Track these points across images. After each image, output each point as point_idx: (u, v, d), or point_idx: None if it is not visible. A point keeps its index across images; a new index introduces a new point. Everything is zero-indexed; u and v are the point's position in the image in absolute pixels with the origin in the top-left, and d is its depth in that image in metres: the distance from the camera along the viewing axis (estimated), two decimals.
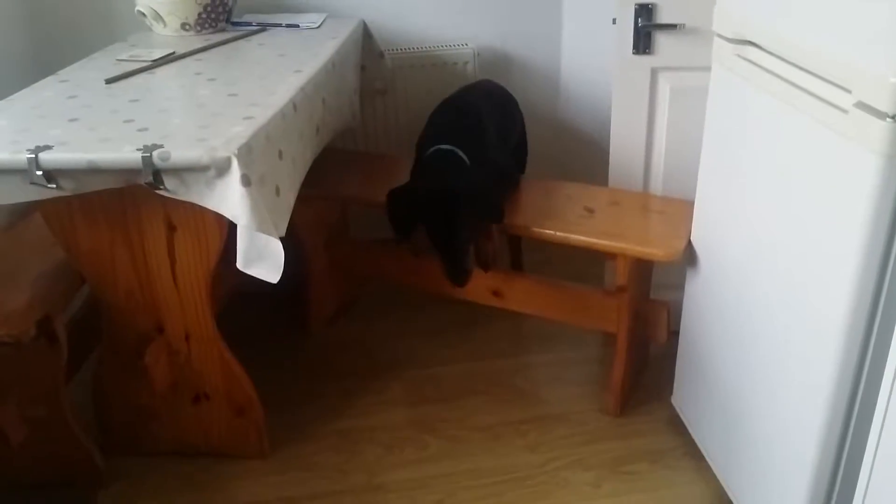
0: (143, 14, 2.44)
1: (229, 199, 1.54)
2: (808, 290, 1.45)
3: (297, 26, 2.54)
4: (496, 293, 2.34)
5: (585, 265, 2.47)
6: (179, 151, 1.54)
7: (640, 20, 2.14)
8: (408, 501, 1.93)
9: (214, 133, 1.61)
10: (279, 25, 2.55)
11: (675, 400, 2.15)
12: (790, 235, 1.49)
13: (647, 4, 2.12)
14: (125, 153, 1.54)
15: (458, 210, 1.96)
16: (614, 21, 2.18)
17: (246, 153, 1.55)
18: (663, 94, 2.24)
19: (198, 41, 2.35)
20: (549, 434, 2.14)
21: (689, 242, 1.96)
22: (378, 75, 2.73)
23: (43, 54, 2.48)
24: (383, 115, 2.91)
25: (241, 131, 1.61)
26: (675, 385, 2.14)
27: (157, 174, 1.55)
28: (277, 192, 1.68)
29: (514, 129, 2.45)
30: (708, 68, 1.81)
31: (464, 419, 2.21)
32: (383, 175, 2.45)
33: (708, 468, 1.94)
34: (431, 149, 2.10)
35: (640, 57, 2.19)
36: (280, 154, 1.72)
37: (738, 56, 1.63)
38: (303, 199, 2.34)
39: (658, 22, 2.14)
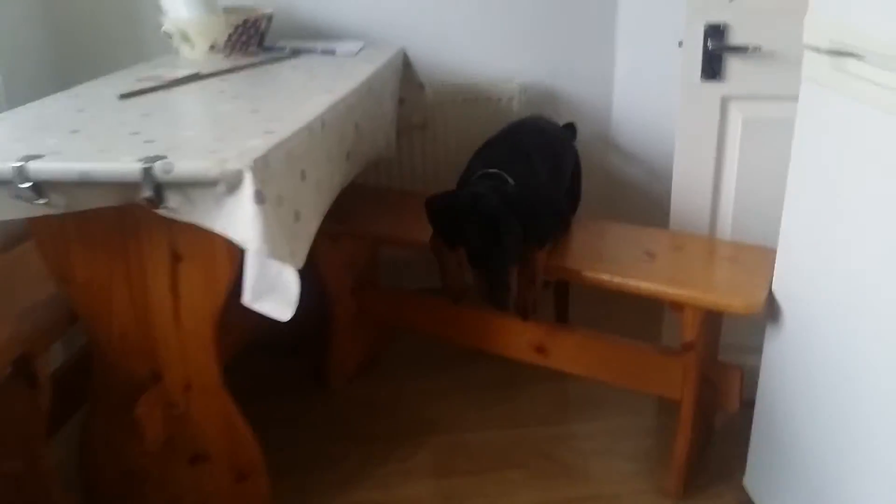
0: (170, 35, 2.27)
1: (240, 219, 1.30)
2: None
3: (333, 52, 2.35)
4: (539, 349, 2.07)
5: (639, 324, 2.18)
6: (185, 163, 1.31)
7: (710, 42, 1.92)
8: None
9: (228, 146, 1.39)
10: (314, 51, 2.37)
11: (749, 481, 1.83)
12: None
13: (719, 24, 1.90)
14: (122, 164, 1.32)
15: (500, 216, 1.72)
16: (680, 44, 1.96)
17: (262, 168, 1.32)
18: (735, 125, 1.99)
19: (226, 64, 2.16)
20: None
21: (771, 292, 1.68)
22: (417, 108, 2.52)
23: (65, 74, 2.32)
24: (421, 150, 2.70)
25: (259, 144, 1.39)
26: (749, 464, 1.84)
27: (159, 189, 1.33)
28: (297, 217, 1.44)
29: (567, 170, 2.21)
30: (788, 98, 1.58)
31: (500, 497, 1.91)
32: (418, 214, 2.22)
33: None
34: (476, 174, 1.87)
35: (709, 84, 1.96)
36: (303, 175, 1.49)
37: (838, 70, 1.39)
38: (330, 236, 2.15)
39: (731, 44, 1.90)
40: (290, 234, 1.39)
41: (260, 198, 1.28)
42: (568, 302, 2.48)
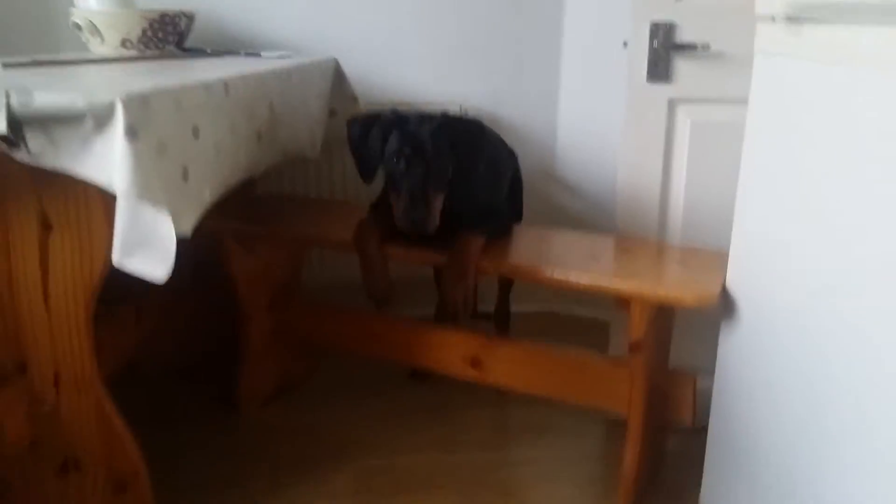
0: (79, 26, 2.11)
1: (109, 160, 1.12)
2: None
3: (258, 55, 2.20)
4: (474, 363, 1.87)
5: (584, 337, 2.00)
6: (47, 94, 1.13)
7: (655, 41, 1.81)
8: None
9: (104, 89, 1.21)
10: (237, 53, 2.23)
11: (705, 497, 1.63)
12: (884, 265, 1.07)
13: (665, 23, 1.81)
14: None
15: (426, 133, 1.63)
16: (625, 44, 1.86)
17: (138, 105, 1.15)
18: (683, 129, 1.87)
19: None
20: None
21: (725, 288, 1.53)
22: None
23: None
24: (353, 167, 2.54)
25: (141, 86, 1.21)
26: (705, 481, 1.64)
27: (16, 125, 1.13)
28: (185, 175, 1.26)
29: (505, 172, 2.06)
30: (737, 101, 1.47)
31: None
32: (344, 218, 2.05)
33: None
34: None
35: (655, 86, 1.85)
36: (196, 132, 1.32)
37: (793, 35, 1.27)
38: (244, 242, 1.96)
39: (678, 41, 1.80)
40: (174, 189, 1.22)
41: (132, 133, 1.11)
42: (509, 313, 2.29)
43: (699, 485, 1.64)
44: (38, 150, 1.15)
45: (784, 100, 1.32)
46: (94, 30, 2.08)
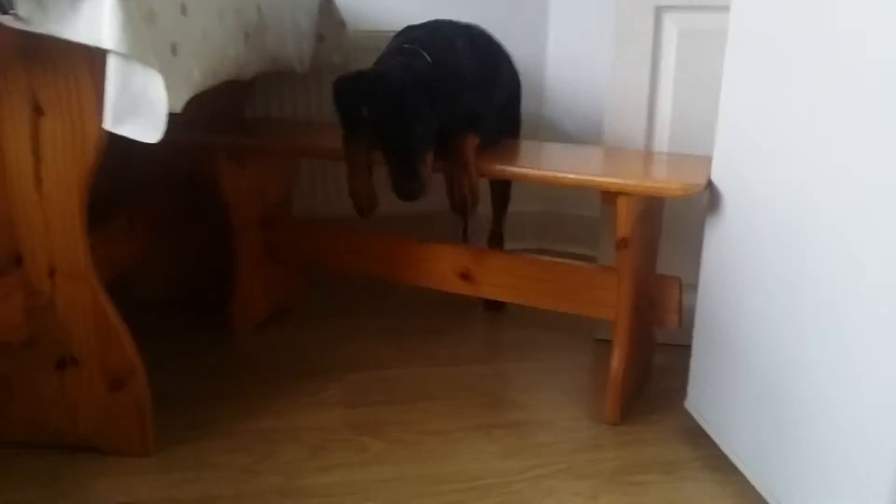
0: None
1: (97, 20, 1.12)
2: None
3: None
4: (464, 275, 1.89)
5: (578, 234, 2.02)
6: None
7: None
8: None
9: None
10: None
11: (691, 403, 1.67)
12: (869, 148, 1.09)
13: None
14: None
15: (406, 94, 1.58)
16: None
17: None
18: (669, 38, 1.89)
19: None
20: (529, 440, 1.64)
21: (710, 181, 1.55)
22: (338, 48, 2.37)
23: None
24: None
25: None
26: (691, 385, 1.67)
27: None
28: (174, 50, 1.26)
29: (501, 81, 2.05)
30: (724, 8, 1.48)
31: (415, 423, 1.70)
32: (333, 135, 2.06)
33: (736, 481, 1.46)
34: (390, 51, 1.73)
35: None
36: (183, 9, 1.32)
37: None
38: (236, 157, 1.96)
39: None
40: (163, 61, 1.21)
41: None
42: (503, 227, 2.29)
43: (686, 394, 1.67)
44: (27, 14, 1.14)
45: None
46: None
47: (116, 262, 1.78)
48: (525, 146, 1.97)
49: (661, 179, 1.56)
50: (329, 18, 2.31)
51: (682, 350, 1.71)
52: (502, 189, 2.21)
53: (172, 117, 1.24)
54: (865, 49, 1.10)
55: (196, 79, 1.34)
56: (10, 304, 1.42)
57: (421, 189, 1.60)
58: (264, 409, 1.74)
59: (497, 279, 1.87)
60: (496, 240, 2.28)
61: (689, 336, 1.65)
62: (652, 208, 1.69)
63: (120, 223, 1.82)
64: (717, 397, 1.55)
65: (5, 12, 1.14)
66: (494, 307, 2.25)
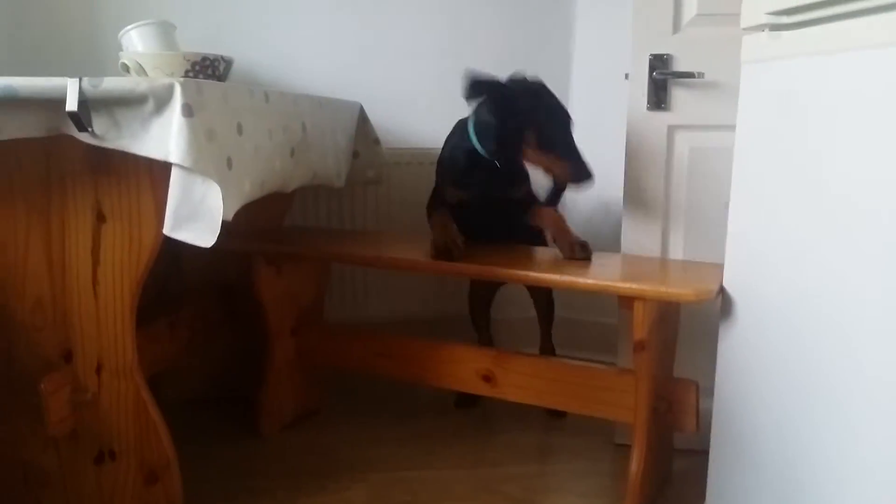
0: (127, 68, 2.30)
1: (166, 137, 1.26)
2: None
3: None
4: (487, 377, 1.96)
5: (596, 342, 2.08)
6: (113, 79, 1.29)
7: (654, 72, 1.98)
8: None
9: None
10: None
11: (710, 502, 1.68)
12: (864, 253, 1.18)
13: (663, 55, 1.97)
14: (49, 79, 1.29)
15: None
16: (626, 76, 2.02)
17: (193, 89, 1.30)
18: (681, 154, 2.01)
19: None
20: None
21: (722, 288, 1.63)
22: (372, 163, 2.54)
23: None
24: (374, 207, 2.70)
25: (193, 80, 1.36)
26: (709, 490, 1.68)
27: (85, 107, 1.28)
28: (229, 164, 1.40)
29: None
30: (732, 127, 1.59)
31: None
32: (368, 242, 2.18)
33: None
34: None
35: (655, 113, 2.00)
36: (240, 129, 1.47)
37: (775, 39, 1.43)
38: (274, 262, 2.08)
39: (675, 70, 1.97)
40: (219, 173, 1.34)
41: (188, 111, 1.25)
42: (551, 331, 2.37)
43: (704, 500, 1.69)
44: (103, 132, 1.29)
45: (768, 102, 1.46)
46: (141, 70, 2.27)
47: (158, 361, 1.87)
48: (547, 253, 2.07)
49: (676, 285, 1.64)
50: (364, 136, 2.48)
51: (700, 456, 1.74)
52: (546, 300, 2.33)
53: (220, 226, 1.36)
54: (859, 170, 1.20)
55: (247, 190, 1.47)
56: (59, 398, 1.50)
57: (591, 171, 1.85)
58: None
59: (518, 381, 1.93)
60: (548, 351, 2.36)
61: (707, 441, 1.68)
62: (668, 313, 1.77)
63: (162, 325, 1.93)
64: (737, 501, 1.57)
65: (84, 130, 1.29)
66: (466, 403, 2.32)
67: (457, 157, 2.01)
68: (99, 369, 1.53)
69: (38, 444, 1.54)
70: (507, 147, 1.89)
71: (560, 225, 1.96)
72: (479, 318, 2.42)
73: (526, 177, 2.06)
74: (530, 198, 2.09)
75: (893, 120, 1.12)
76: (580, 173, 1.83)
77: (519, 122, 1.86)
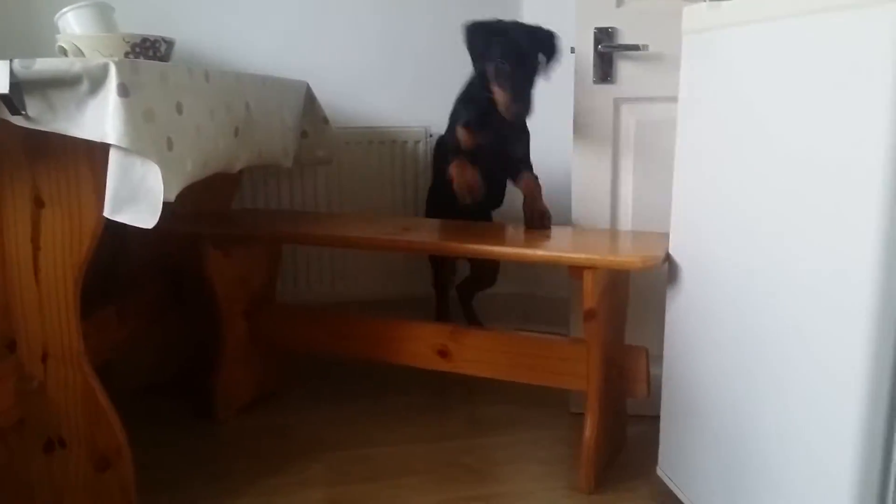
0: (65, 50, 2.24)
1: (102, 117, 1.23)
2: (828, 287, 1.16)
3: None
4: (442, 352, 1.97)
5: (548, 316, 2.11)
6: (46, 60, 1.25)
7: (599, 45, 1.99)
8: None
9: None
10: None
11: (663, 469, 1.73)
12: (802, 217, 1.22)
13: (608, 28, 1.99)
14: None
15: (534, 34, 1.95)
16: (572, 50, 2.03)
17: (129, 69, 1.27)
18: (628, 127, 2.03)
19: None
20: None
21: (668, 254, 1.66)
22: (322, 143, 2.51)
23: None
24: (325, 187, 2.68)
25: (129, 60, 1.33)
26: (661, 451, 1.73)
27: (17, 90, 1.25)
28: (170, 145, 1.38)
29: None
30: (675, 99, 1.62)
31: (398, 498, 1.75)
32: (320, 222, 2.17)
33: None
34: None
35: (601, 87, 2.02)
36: (179, 108, 1.44)
37: (714, 9, 1.45)
38: (222, 247, 2.05)
39: (620, 43, 1.98)
40: (159, 155, 1.32)
41: (124, 91, 1.23)
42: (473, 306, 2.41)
43: (658, 461, 1.74)
44: (37, 115, 1.25)
45: (708, 71, 1.49)
46: (79, 53, 2.21)
47: (107, 349, 1.85)
48: (498, 228, 2.09)
49: (623, 254, 1.67)
50: (312, 116, 2.45)
51: (653, 420, 1.78)
52: (483, 271, 2.36)
53: (164, 208, 1.34)
54: (794, 136, 1.23)
55: (189, 170, 1.45)
56: (3, 387, 1.47)
57: (527, 110, 1.94)
58: (248, 489, 1.78)
59: (473, 355, 1.95)
60: (469, 311, 2.40)
61: (659, 406, 1.72)
62: (617, 281, 1.80)
63: (110, 312, 1.89)
64: (687, 461, 1.62)
65: (17, 113, 1.25)
66: None
67: (472, 99, 2.05)
68: (45, 358, 1.50)
69: None
70: (482, 80, 1.99)
71: (535, 194, 2.02)
72: (441, 289, 2.50)
73: (528, 138, 2.11)
74: (524, 162, 2.11)
75: (824, 83, 1.15)
76: (513, 104, 1.91)
77: (485, 58, 1.95)
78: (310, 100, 2.44)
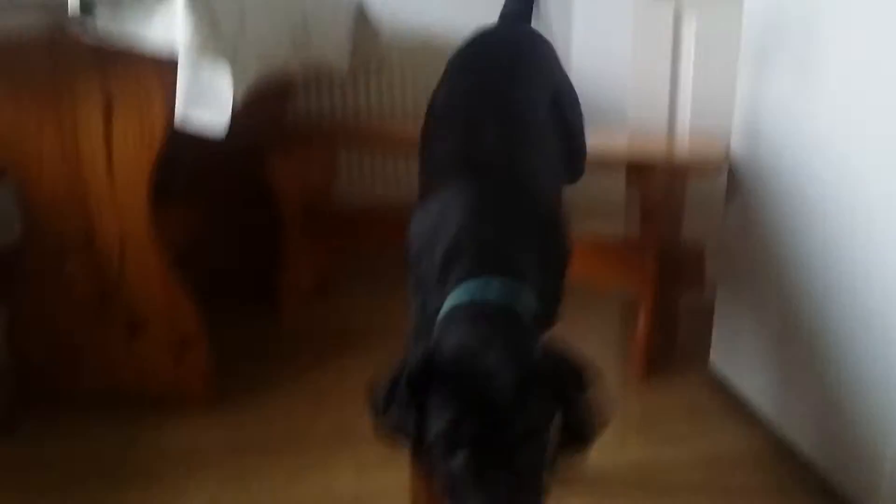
0: None
1: (171, 24, 1.27)
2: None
3: None
4: None
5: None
6: None
7: None
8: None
9: None
10: None
11: (714, 359, 1.77)
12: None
13: None
14: None
15: (525, 385, 0.84)
16: None
17: None
18: (689, 30, 1.98)
19: None
20: None
21: (728, 154, 1.65)
22: (373, 56, 2.50)
23: None
24: (377, 93, 2.68)
25: None
26: (714, 341, 1.78)
27: (87, 5, 1.29)
28: (234, 49, 1.40)
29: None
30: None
31: None
32: (375, 127, 2.19)
33: (758, 426, 1.58)
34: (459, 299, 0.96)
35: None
36: (242, 14, 1.46)
37: None
38: (283, 146, 2.10)
39: None
40: (226, 59, 1.35)
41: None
42: None
43: (710, 351, 1.78)
44: (106, 25, 1.30)
45: None
46: None
47: (178, 236, 1.92)
48: None
49: (683, 154, 1.66)
50: (364, 26, 2.43)
51: (706, 316, 1.81)
52: None
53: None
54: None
55: (252, 76, 1.48)
56: (83, 277, 1.59)
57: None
58: (317, 365, 1.91)
59: None
60: None
61: (712, 303, 1.75)
62: (674, 182, 1.79)
63: (177, 210, 1.97)
64: (738, 350, 1.66)
65: (86, 23, 1.29)
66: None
67: None
68: (121, 247, 1.60)
69: (70, 316, 1.63)
70: None
71: None
72: None
73: None
74: None
75: None
76: None
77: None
78: (360, 12, 2.42)
